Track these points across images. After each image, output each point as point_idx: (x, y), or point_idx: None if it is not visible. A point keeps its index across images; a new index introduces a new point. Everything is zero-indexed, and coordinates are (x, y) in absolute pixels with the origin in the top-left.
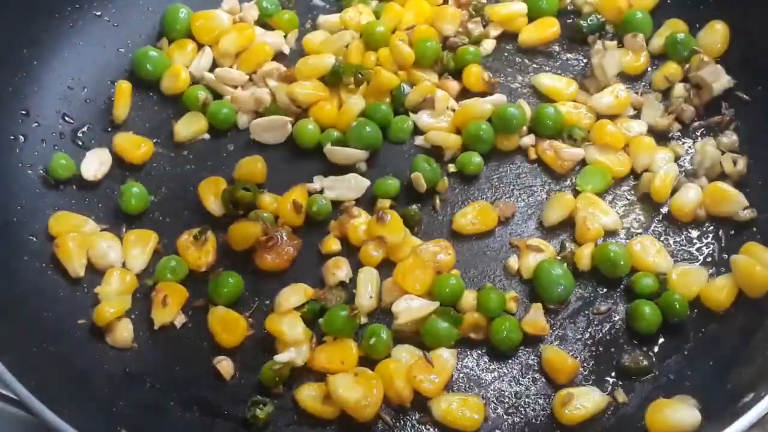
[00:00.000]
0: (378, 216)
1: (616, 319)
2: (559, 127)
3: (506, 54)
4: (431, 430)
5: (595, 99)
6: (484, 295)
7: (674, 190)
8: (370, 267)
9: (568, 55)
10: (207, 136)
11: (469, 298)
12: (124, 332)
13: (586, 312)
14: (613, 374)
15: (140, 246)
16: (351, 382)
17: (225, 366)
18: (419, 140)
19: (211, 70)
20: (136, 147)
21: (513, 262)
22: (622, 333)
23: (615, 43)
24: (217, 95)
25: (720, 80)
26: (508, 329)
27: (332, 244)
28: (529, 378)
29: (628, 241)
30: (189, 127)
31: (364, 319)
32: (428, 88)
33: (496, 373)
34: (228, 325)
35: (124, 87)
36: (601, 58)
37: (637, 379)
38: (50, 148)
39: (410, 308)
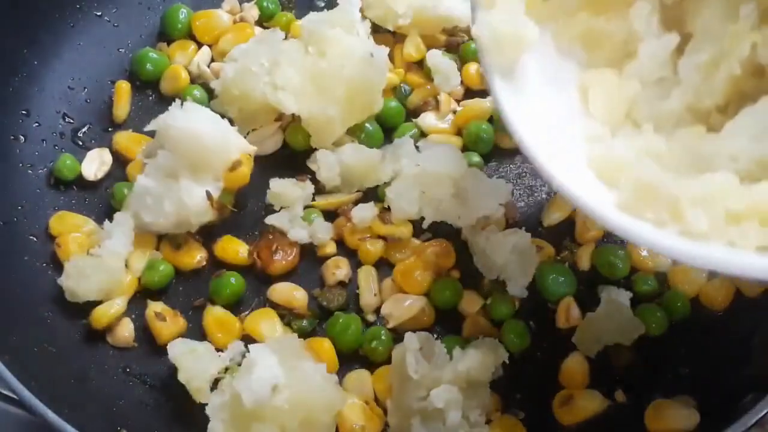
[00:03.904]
0: (379, 216)
1: None
2: None
3: None
4: None
5: None
6: (492, 301)
7: None
8: (369, 265)
9: None
10: None
11: (469, 298)
12: (124, 332)
13: (586, 312)
14: (612, 374)
15: (140, 246)
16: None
17: None
18: (421, 143)
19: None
20: (137, 147)
21: None
22: None
23: None
24: None
25: None
26: (514, 332)
27: (328, 247)
28: (529, 378)
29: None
30: None
31: (371, 317)
32: (429, 91)
33: (496, 373)
34: (223, 325)
35: (124, 87)
36: None
37: (637, 379)
38: (51, 148)
39: (400, 308)
